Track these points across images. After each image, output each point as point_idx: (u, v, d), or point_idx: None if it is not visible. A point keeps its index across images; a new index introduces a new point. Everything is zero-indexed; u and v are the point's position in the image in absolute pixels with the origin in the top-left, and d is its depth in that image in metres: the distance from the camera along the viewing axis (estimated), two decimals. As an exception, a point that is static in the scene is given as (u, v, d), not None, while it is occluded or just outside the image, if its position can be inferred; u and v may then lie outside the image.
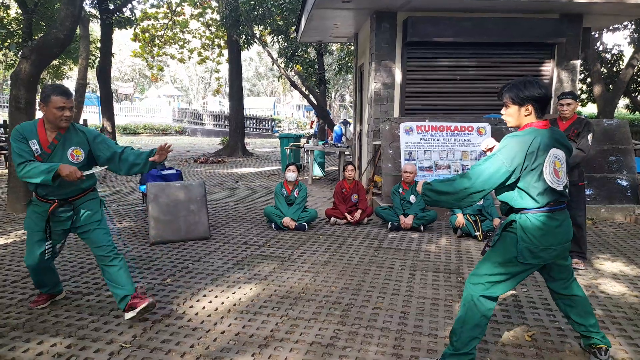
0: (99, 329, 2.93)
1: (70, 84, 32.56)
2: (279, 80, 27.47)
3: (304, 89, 15.37)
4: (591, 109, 19.59)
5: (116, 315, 3.12)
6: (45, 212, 2.92)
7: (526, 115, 2.37)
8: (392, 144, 6.68)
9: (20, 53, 6.99)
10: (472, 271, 2.50)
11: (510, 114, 2.41)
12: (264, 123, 27.54)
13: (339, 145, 9.77)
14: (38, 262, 2.99)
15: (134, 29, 14.80)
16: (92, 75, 25.40)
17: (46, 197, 2.91)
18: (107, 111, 11.76)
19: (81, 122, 11.38)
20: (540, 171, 2.28)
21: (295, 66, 14.39)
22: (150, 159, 3.00)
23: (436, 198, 2.43)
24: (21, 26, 10.86)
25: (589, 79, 14.04)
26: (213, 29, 16.45)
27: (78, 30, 9.42)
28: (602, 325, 3.07)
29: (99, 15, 11.57)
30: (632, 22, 13.33)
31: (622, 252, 4.74)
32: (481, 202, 5.45)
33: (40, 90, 2.74)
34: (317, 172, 10.48)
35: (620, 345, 2.81)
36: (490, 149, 2.73)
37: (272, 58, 14.48)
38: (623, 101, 18.82)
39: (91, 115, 25.46)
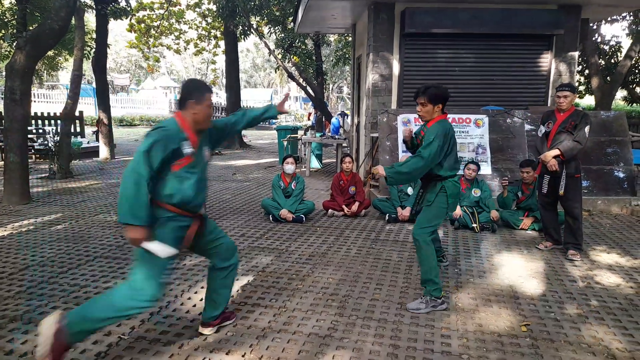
0: (97, 321, 2.93)
1: (65, 75, 32.32)
2: (276, 72, 27.34)
3: (301, 80, 15.28)
4: (589, 100, 19.59)
5: (114, 307, 3.12)
6: (185, 229, 2.52)
7: (436, 112, 3.20)
8: (389, 136, 6.67)
9: (14, 44, 6.91)
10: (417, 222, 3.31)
11: (427, 111, 3.20)
12: (261, 115, 27.34)
13: (336, 137, 9.75)
14: (160, 290, 2.42)
15: (130, 20, 14.63)
16: (87, 66, 25.22)
17: (190, 208, 2.54)
18: (103, 103, 11.66)
19: (77, 114, 11.29)
20: (455, 149, 3.22)
21: (293, 57, 14.27)
22: (279, 108, 2.89)
23: (399, 177, 3.17)
24: (15, 17, 10.75)
25: (587, 71, 14.00)
26: (209, 20, 16.30)
27: (73, 21, 9.28)
28: (597, 315, 3.11)
29: (93, 6, 11.42)
30: (630, 14, 13.28)
31: (618, 244, 4.77)
32: (478, 193, 5.50)
33: (187, 86, 2.48)
34: (315, 164, 10.47)
35: (614, 335, 2.84)
36: (409, 134, 3.48)
37: (269, 49, 14.35)
38: (621, 93, 18.82)
39: (87, 107, 25.18)
